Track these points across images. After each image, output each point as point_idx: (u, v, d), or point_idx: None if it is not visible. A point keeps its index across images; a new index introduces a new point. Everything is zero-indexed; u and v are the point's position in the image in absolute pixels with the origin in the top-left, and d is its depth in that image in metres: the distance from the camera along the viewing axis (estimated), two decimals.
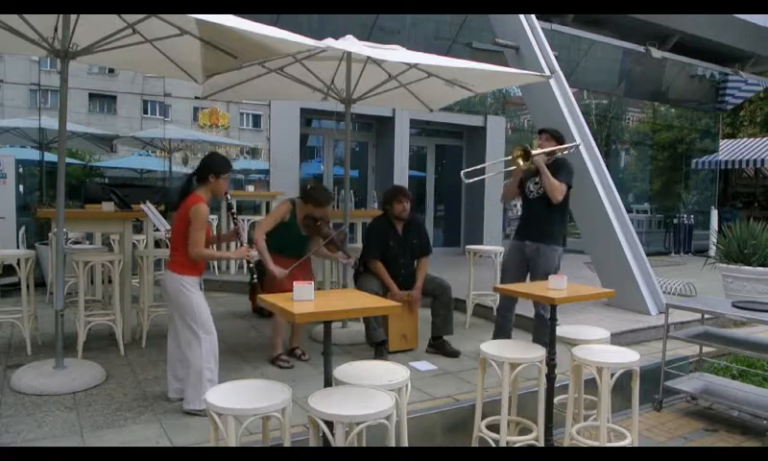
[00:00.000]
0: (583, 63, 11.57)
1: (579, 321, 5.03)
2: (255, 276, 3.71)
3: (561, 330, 3.44)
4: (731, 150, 15.22)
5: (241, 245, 3.69)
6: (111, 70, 8.69)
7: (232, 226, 3.74)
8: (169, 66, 4.47)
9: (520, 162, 4.17)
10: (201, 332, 3.35)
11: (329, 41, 3.96)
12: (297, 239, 4.41)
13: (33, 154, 8.36)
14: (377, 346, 4.49)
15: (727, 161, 14.60)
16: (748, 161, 14.45)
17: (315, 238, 4.46)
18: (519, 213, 4.67)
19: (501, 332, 4.45)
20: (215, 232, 6.51)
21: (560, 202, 4.23)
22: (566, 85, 6.45)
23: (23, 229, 6.81)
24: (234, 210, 3.75)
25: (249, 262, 3.67)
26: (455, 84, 4.92)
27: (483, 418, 3.23)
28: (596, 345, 3.33)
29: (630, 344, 4.63)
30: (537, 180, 4.34)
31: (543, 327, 4.28)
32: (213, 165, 3.50)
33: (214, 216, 7.42)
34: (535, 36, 6.57)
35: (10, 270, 4.76)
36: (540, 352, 3.11)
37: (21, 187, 7.96)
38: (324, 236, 4.39)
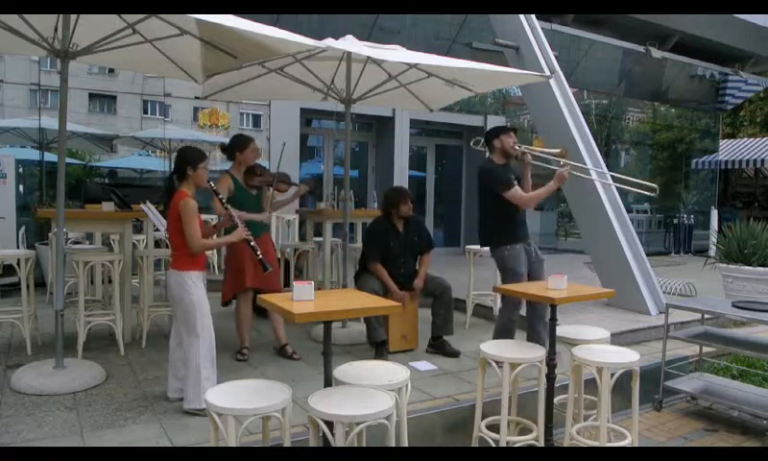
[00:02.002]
0: (583, 63, 11.56)
1: (579, 321, 5.03)
2: (259, 253, 3.70)
3: (561, 330, 3.44)
4: (731, 150, 15.21)
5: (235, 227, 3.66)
6: (111, 70, 8.69)
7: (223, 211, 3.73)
8: (169, 66, 4.47)
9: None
10: (200, 331, 3.36)
11: (329, 41, 3.96)
12: (255, 207, 4.47)
13: (33, 154, 8.36)
14: (378, 346, 4.49)
15: (727, 161, 14.59)
16: (748, 161, 14.45)
17: (264, 193, 4.60)
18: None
19: (506, 336, 4.23)
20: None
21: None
22: (566, 85, 6.44)
23: (23, 229, 6.81)
24: (222, 196, 3.71)
25: (249, 241, 3.66)
26: (455, 84, 4.92)
27: (483, 418, 3.23)
28: (596, 345, 3.33)
29: (630, 344, 4.63)
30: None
31: (535, 318, 4.28)
32: (188, 158, 3.50)
33: (214, 216, 7.41)
34: (535, 36, 6.57)
35: (10, 270, 4.76)
36: (540, 352, 3.11)
37: (21, 187, 7.96)
38: (270, 180, 4.53)
